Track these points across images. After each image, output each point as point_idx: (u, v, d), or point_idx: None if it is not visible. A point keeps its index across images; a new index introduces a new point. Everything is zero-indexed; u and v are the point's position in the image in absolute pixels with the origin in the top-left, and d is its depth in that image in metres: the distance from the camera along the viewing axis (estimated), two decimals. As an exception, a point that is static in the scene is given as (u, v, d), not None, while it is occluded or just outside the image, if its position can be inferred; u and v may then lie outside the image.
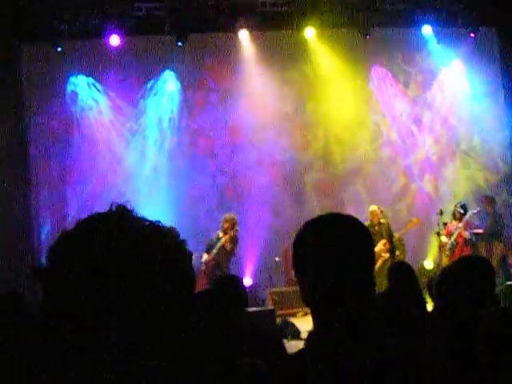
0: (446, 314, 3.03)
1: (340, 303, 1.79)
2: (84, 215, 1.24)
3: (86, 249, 1.16)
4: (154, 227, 1.23)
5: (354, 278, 1.82)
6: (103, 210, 1.24)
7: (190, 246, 1.29)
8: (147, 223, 1.23)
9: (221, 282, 4.58)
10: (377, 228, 11.76)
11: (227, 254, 11.19)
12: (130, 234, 1.19)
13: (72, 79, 13.48)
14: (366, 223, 11.88)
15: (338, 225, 1.89)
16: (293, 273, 1.89)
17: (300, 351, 1.90)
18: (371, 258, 1.91)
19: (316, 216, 1.94)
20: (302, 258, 1.87)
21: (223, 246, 11.16)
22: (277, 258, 13.07)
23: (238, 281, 4.53)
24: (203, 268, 11.20)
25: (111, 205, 1.23)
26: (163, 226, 1.24)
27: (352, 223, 1.90)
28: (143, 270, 1.16)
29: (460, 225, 11.87)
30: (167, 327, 1.17)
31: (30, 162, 13.30)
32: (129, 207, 1.24)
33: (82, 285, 1.14)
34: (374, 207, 12.04)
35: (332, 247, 1.82)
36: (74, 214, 13.12)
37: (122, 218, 1.21)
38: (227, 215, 11.43)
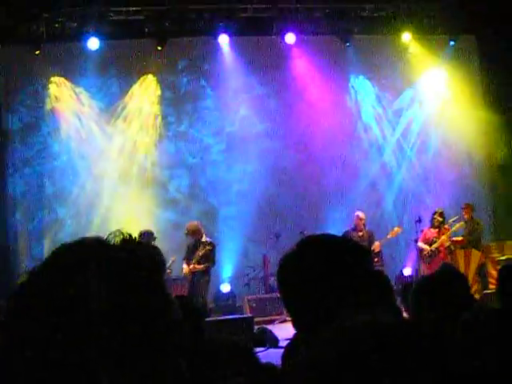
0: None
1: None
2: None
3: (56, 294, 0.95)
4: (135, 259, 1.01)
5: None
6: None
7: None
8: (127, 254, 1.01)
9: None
10: (361, 234, 11.69)
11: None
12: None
13: (50, 81, 13.30)
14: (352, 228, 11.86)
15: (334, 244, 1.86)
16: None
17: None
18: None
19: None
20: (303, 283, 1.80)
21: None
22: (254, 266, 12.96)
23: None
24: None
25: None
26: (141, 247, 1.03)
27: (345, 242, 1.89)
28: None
29: (444, 237, 11.84)
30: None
31: (7, 167, 13.14)
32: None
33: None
34: (359, 212, 11.98)
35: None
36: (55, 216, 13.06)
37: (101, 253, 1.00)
38: (188, 224, 11.04)
